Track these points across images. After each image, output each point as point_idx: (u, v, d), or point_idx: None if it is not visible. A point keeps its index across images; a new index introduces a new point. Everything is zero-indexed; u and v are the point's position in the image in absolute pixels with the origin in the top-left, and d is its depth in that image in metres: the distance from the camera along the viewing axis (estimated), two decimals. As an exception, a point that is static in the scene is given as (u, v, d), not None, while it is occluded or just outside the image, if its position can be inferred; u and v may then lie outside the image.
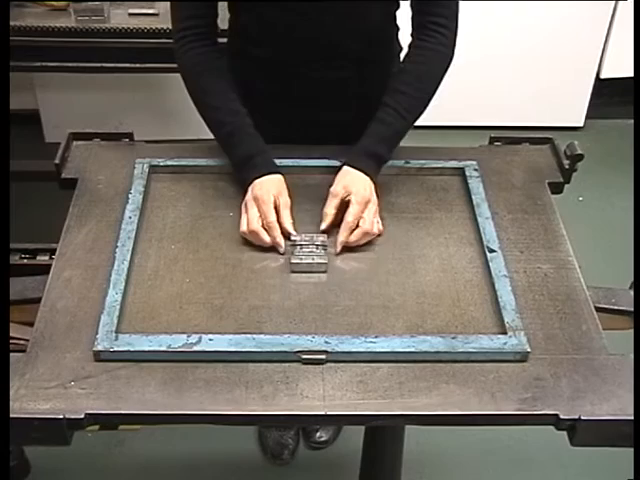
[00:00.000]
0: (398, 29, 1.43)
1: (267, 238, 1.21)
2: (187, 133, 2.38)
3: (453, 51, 1.31)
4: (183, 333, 1.07)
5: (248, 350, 1.05)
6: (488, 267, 1.19)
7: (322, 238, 1.22)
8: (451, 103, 2.91)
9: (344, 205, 1.24)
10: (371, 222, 1.23)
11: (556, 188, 1.38)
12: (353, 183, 1.25)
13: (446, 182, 1.37)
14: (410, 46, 1.32)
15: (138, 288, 1.16)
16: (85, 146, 1.42)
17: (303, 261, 1.19)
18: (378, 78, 1.39)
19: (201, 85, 1.32)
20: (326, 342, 1.06)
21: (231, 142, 1.31)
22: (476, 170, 1.37)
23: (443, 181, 1.38)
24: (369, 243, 1.24)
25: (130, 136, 1.44)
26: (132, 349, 1.05)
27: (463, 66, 2.84)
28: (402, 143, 1.34)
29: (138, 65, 2.09)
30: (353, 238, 1.22)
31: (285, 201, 1.25)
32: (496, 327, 1.11)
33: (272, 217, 1.21)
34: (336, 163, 1.33)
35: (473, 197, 1.31)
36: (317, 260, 1.19)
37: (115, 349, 1.05)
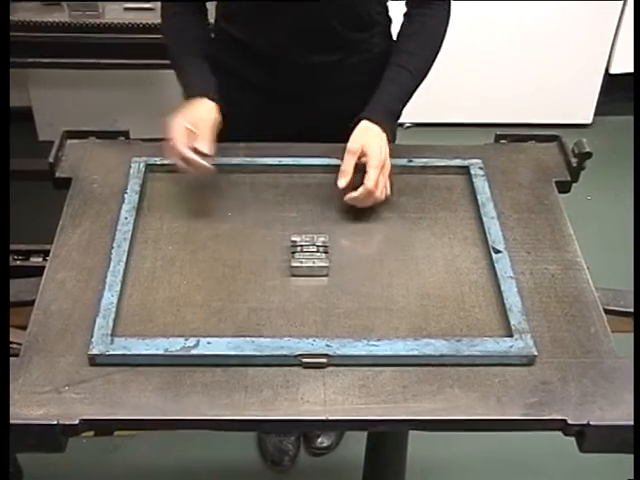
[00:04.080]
0: (390, 21, 1.44)
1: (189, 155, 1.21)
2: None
3: (450, 13, 1.37)
4: (180, 336, 1.07)
5: (247, 354, 1.05)
6: (494, 268, 1.19)
7: (323, 239, 1.22)
8: (456, 100, 2.92)
9: (360, 164, 1.25)
10: (381, 187, 1.24)
11: (563, 187, 1.38)
12: (370, 144, 1.25)
13: (450, 181, 1.38)
14: (407, 14, 1.37)
15: (134, 290, 1.16)
16: (80, 144, 1.43)
17: (303, 264, 1.19)
18: (368, 65, 1.40)
19: (174, 43, 1.38)
20: (327, 345, 1.06)
21: (176, 66, 1.37)
22: (481, 169, 1.37)
23: (447, 180, 1.38)
24: (372, 243, 1.25)
25: (126, 134, 1.44)
26: (128, 353, 1.05)
27: (468, 62, 2.87)
28: (405, 141, 1.34)
29: (134, 61, 2.10)
30: (357, 195, 1.23)
31: (206, 125, 1.24)
32: (502, 330, 1.11)
33: (183, 152, 1.21)
34: (337, 162, 1.33)
35: (478, 196, 1.32)
36: (318, 263, 1.19)
37: (111, 353, 1.05)
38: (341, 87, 1.42)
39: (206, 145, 1.23)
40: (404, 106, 1.35)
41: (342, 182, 1.24)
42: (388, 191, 1.27)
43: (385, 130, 1.28)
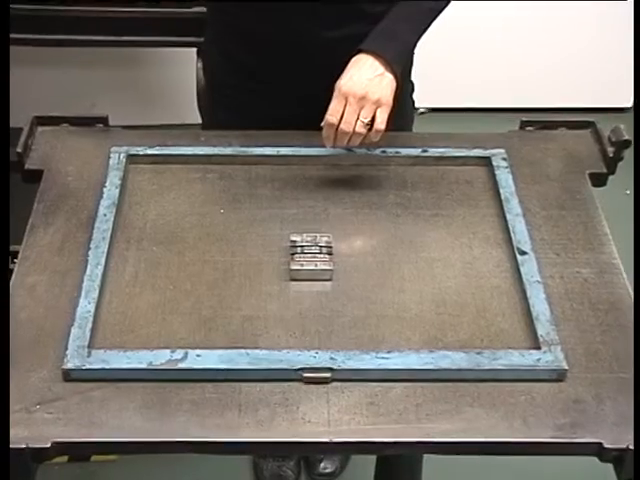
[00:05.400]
0: None
1: None
2: (171, 117, 2.40)
3: None
4: (166, 348, 1.08)
5: (241, 368, 1.06)
6: (519, 272, 1.19)
7: (326, 239, 1.22)
8: (475, 82, 2.93)
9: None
10: (349, 119, 1.23)
11: (598, 180, 1.38)
12: (344, 74, 1.25)
13: (470, 174, 1.38)
14: None
15: (114, 296, 1.16)
16: (52, 132, 1.43)
17: (304, 267, 1.19)
18: None
19: None
20: (331, 358, 1.07)
21: None
22: (504, 160, 1.37)
23: (466, 172, 1.38)
24: (381, 243, 1.25)
25: (104, 120, 1.45)
26: (107, 367, 1.05)
27: (490, 38, 2.87)
28: (419, 129, 1.34)
29: (114, 38, 2.09)
30: (324, 134, 1.25)
31: None
32: (528, 341, 1.12)
33: None
34: (343, 152, 1.33)
35: (501, 191, 1.32)
36: (321, 266, 1.19)
37: (87, 367, 1.05)
38: (338, 68, 1.42)
39: None
40: (420, 29, 1.32)
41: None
42: (378, 124, 1.25)
43: (376, 55, 1.26)
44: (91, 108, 2.56)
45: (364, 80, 1.24)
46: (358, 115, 1.24)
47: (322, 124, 1.25)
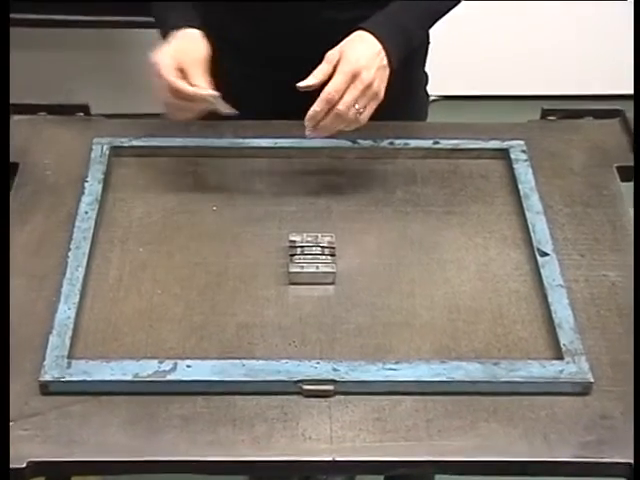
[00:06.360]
0: None
1: (187, 88, 1.22)
2: (158, 106, 2.39)
3: None
4: (154, 358, 1.08)
5: (236, 379, 1.06)
6: (539, 275, 1.20)
7: (328, 239, 1.23)
8: (491, 67, 2.92)
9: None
10: (349, 103, 1.21)
11: (627, 174, 1.38)
12: (348, 48, 1.24)
13: (485, 167, 1.38)
14: None
15: (97, 302, 1.17)
16: (28, 121, 1.44)
17: (304, 270, 1.20)
18: None
19: None
20: (334, 369, 1.07)
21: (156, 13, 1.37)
22: (524, 152, 1.38)
23: (482, 166, 1.39)
24: (388, 244, 1.26)
25: (85, 109, 1.45)
26: (89, 379, 1.06)
27: (506, 18, 2.87)
28: (430, 118, 1.34)
29: (94, 18, 2.10)
30: (315, 108, 1.21)
31: (194, 59, 1.25)
32: (549, 351, 1.12)
33: (178, 85, 1.22)
34: (347, 143, 1.34)
35: (520, 186, 1.32)
36: (322, 269, 1.20)
37: (67, 379, 1.06)
38: None
39: (203, 81, 1.23)
40: (424, 24, 1.34)
41: (301, 84, 1.22)
42: (366, 115, 1.23)
43: (382, 40, 1.25)
44: (70, 95, 2.56)
45: (373, 66, 1.23)
46: (355, 101, 1.22)
47: (319, 99, 1.22)
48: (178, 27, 1.29)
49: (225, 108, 1.24)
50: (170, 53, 1.25)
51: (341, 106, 1.21)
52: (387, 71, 1.26)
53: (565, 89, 2.87)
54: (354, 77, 1.22)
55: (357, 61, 1.22)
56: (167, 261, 1.23)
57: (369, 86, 1.22)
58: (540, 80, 2.91)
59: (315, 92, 1.31)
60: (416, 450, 1.02)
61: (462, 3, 1.37)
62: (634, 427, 1.01)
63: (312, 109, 1.22)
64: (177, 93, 1.23)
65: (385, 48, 1.26)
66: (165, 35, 1.31)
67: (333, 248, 1.22)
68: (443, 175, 1.37)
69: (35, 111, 1.45)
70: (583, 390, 1.07)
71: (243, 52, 1.44)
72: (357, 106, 1.22)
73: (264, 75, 1.45)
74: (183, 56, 1.25)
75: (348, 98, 1.21)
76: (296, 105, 1.35)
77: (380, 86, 1.24)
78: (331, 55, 1.24)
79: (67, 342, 1.09)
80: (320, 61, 1.34)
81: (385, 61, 1.25)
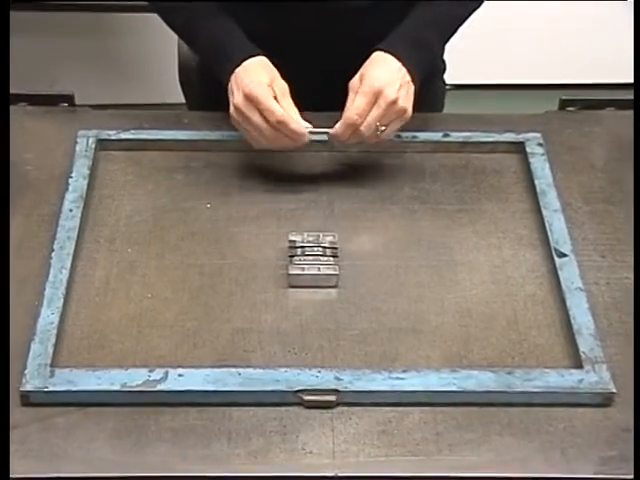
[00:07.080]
0: None
1: (298, 127, 1.25)
2: (148, 96, 2.40)
3: None
4: (143, 367, 1.08)
5: (231, 389, 1.06)
6: (557, 277, 1.20)
7: (331, 238, 1.23)
8: (506, 54, 2.93)
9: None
10: (369, 121, 1.25)
11: (651, 169, 1.39)
12: (372, 69, 1.28)
13: (499, 162, 1.39)
14: None
15: (82, 306, 1.17)
16: (9, 113, 1.44)
17: (305, 272, 1.20)
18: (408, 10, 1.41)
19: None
20: (336, 378, 1.07)
21: (190, 34, 1.38)
22: (541, 145, 1.38)
23: (495, 161, 1.39)
24: (395, 244, 1.26)
25: (70, 99, 1.45)
26: (73, 389, 1.06)
27: (523, 4, 2.87)
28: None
29: (79, 1, 2.10)
30: (337, 129, 1.26)
31: (282, 87, 1.28)
32: (568, 359, 1.12)
33: (279, 111, 1.25)
34: (350, 136, 1.34)
35: (536, 182, 1.33)
36: (324, 271, 1.20)
37: (50, 389, 1.06)
38: (367, 39, 1.43)
39: (299, 116, 1.27)
40: (446, 34, 1.38)
41: (332, 131, 1.28)
42: (386, 134, 1.28)
43: (401, 58, 1.29)
44: (52, 84, 2.56)
45: (396, 83, 1.27)
46: (378, 120, 1.26)
47: (339, 122, 1.26)
48: (243, 57, 1.31)
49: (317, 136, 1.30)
50: (266, 82, 1.27)
51: (363, 127, 1.26)
52: (412, 87, 1.30)
53: (585, 77, 2.86)
54: (376, 96, 1.26)
55: (377, 80, 1.26)
56: (157, 262, 1.23)
57: (393, 103, 1.26)
58: (558, 68, 2.91)
59: (324, 84, 1.32)
60: (425, 465, 1.02)
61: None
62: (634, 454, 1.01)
63: (334, 130, 1.27)
64: (281, 125, 1.25)
65: (405, 65, 1.29)
66: (215, 58, 1.34)
67: (336, 249, 1.22)
68: (454, 170, 1.37)
69: (15, 101, 1.45)
70: (604, 401, 1.07)
71: (251, 37, 1.44)
72: (379, 124, 1.26)
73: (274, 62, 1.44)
74: (274, 84, 1.28)
75: (370, 120, 1.26)
76: (307, 94, 1.36)
77: (406, 103, 1.28)
78: (353, 82, 1.28)
79: (50, 350, 1.09)
80: (337, 49, 1.36)
81: (408, 77, 1.29)
